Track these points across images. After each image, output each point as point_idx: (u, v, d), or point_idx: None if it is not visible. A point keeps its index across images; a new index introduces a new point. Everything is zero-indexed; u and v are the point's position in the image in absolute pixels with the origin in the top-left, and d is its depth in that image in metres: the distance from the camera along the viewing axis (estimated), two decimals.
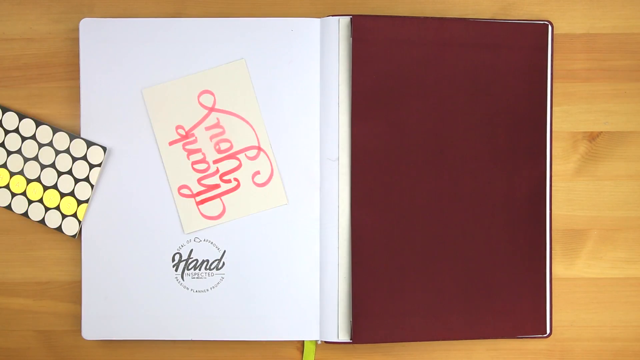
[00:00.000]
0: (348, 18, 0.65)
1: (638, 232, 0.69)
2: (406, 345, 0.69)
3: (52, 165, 0.64)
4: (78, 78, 0.67)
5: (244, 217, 0.66)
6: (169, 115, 0.65)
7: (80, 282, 0.67)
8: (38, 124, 0.64)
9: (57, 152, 0.64)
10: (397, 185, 0.65)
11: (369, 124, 0.65)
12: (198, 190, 0.66)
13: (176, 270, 0.66)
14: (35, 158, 0.64)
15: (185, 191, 0.65)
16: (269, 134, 0.66)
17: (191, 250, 0.66)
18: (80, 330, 0.68)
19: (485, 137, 0.66)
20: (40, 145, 0.64)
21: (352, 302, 0.65)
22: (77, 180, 0.64)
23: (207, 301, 0.66)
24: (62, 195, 0.65)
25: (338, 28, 0.65)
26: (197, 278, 0.66)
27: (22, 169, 0.65)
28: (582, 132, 0.69)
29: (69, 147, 0.64)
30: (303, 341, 0.68)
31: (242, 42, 0.66)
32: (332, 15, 0.66)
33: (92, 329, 0.66)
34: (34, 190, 0.64)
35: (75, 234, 0.66)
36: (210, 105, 0.65)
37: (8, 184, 0.64)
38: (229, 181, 0.66)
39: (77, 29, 0.67)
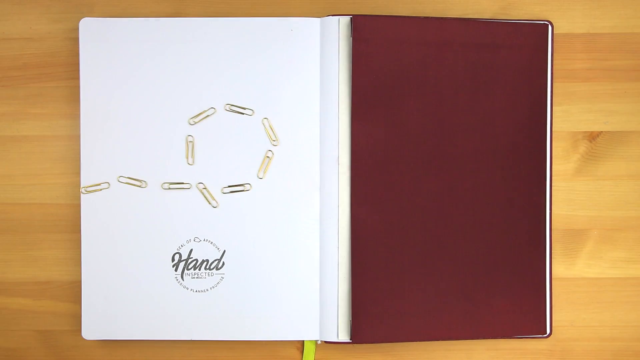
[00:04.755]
0: (348, 18, 0.65)
1: (638, 232, 0.69)
2: (406, 345, 0.69)
3: None
4: (78, 78, 0.67)
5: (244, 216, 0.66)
6: None
7: (80, 282, 0.67)
8: None
9: None
10: (397, 184, 0.65)
11: (369, 123, 0.65)
12: None
13: (176, 270, 0.66)
14: None
15: None
16: (268, 134, 0.66)
17: (191, 250, 0.66)
18: (80, 330, 0.68)
19: (485, 137, 0.66)
20: None
21: (352, 302, 0.65)
22: None
23: (207, 301, 0.66)
24: None
25: (338, 28, 0.65)
26: (197, 278, 0.66)
27: None
28: (582, 132, 0.69)
29: None
30: (303, 341, 0.68)
31: (242, 42, 0.66)
32: (332, 15, 0.66)
33: (92, 329, 0.66)
34: None
35: None
36: None
37: None
38: None
39: (77, 29, 0.66)
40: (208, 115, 0.66)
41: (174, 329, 0.66)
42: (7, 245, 0.68)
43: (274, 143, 0.65)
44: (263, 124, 0.65)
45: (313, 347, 0.68)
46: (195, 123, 0.66)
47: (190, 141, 0.66)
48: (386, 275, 0.65)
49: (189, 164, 0.66)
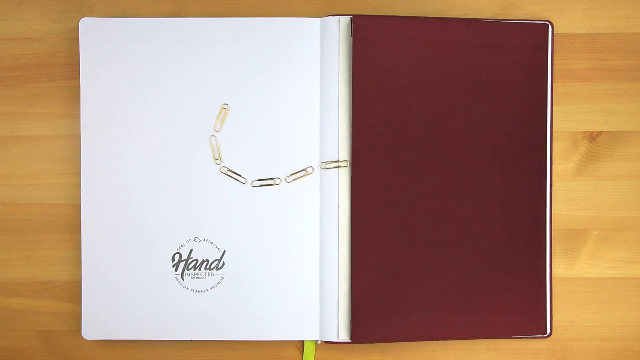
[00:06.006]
0: (348, 18, 0.65)
1: (638, 232, 0.69)
2: (406, 345, 0.69)
3: None
4: (78, 78, 0.67)
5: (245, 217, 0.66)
6: None
7: (80, 282, 0.67)
8: None
9: None
10: (397, 185, 0.65)
11: (369, 123, 0.65)
12: None
13: (176, 270, 0.66)
14: None
15: None
16: (267, 134, 0.66)
17: (191, 250, 0.66)
18: (80, 330, 0.68)
19: (486, 137, 0.66)
20: None
21: (352, 302, 0.65)
22: None
23: (207, 301, 0.66)
24: None
25: (338, 28, 0.65)
26: (197, 278, 0.66)
27: None
28: (582, 132, 0.69)
29: None
30: (303, 341, 0.68)
31: (242, 42, 0.66)
32: (332, 15, 0.66)
33: (92, 329, 0.66)
34: None
35: None
36: None
37: None
38: None
39: (77, 29, 0.66)
40: (225, 109, 0.66)
41: (174, 329, 0.66)
42: (7, 245, 0.68)
43: (217, 162, 0.65)
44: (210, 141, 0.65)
45: (313, 347, 0.68)
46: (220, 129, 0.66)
47: (213, 135, 0.65)
48: (386, 275, 0.65)
49: (215, 130, 0.65)
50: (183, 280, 0.66)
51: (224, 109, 0.63)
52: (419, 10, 0.68)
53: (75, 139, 0.68)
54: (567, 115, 0.69)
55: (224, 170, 0.64)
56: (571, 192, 0.69)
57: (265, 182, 0.64)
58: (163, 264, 0.66)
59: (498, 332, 0.66)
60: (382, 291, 0.65)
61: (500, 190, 0.66)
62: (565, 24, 0.69)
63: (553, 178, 0.68)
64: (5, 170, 0.68)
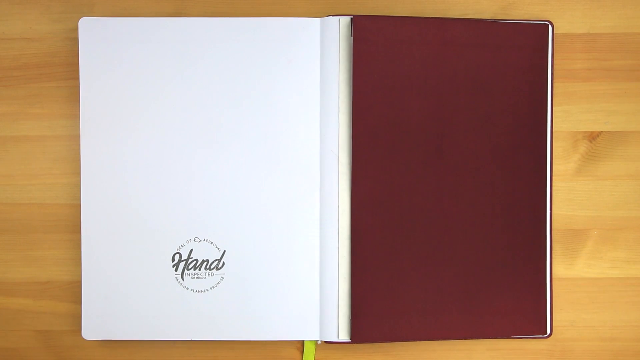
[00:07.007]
0: (348, 18, 0.65)
1: (638, 232, 0.69)
2: (406, 345, 0.69)
3: None
4: (78, 78, 0.67)
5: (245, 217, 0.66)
6: None
7: (80, 282, 0.67)
8: None
9: None
10: (398, 184, 0.65)
11: (369, 124, 0.65)
12: None
13: (176, 270, 0.66)
14: None
15: None
16: (268, 134, 0.66)
17: (191, 250, 0.66)
18: (80, 330, 0.68)
19: (486, 137, 0.66)
20: None
21: (352, 302, 0.65)
22: None
23: (207, 301, 0.66)
24: None
25: (338, 28, 0.65)
26: (197, 278, 0.66)
27: None
28: (582, 132, 0.69)
29: None
30: (303, 341, 0.68)
31: (242, 42, 0.66)
32: (333, 15, 0.66)
33: (92, 329, 0.66)
34: None
35: None
36: None
37: None
38: None
39: (77, 29, 0.66)
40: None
41: (174, 329, 0.66)
42: (7, 245, 0.68)
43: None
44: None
45: (313, 347, 0.68)
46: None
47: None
48: (386, 275, 0.65)
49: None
50: (183, 280, 0.66)
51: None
52: (419, 10, 0.68)
53: (75, 139, 0.68)
54: (567, 115, 0.69)
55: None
56: (571, 192, 0.69)
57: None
58: (163, 264, 0.66)
59: (498, 332, 0.66)
60: (382, 291, 0.65)
61: (500, 190, 0.66)
62: (565, 24, 0.69)
63: (553, 178, 0.68)
64: (5, 170, 0.68)
